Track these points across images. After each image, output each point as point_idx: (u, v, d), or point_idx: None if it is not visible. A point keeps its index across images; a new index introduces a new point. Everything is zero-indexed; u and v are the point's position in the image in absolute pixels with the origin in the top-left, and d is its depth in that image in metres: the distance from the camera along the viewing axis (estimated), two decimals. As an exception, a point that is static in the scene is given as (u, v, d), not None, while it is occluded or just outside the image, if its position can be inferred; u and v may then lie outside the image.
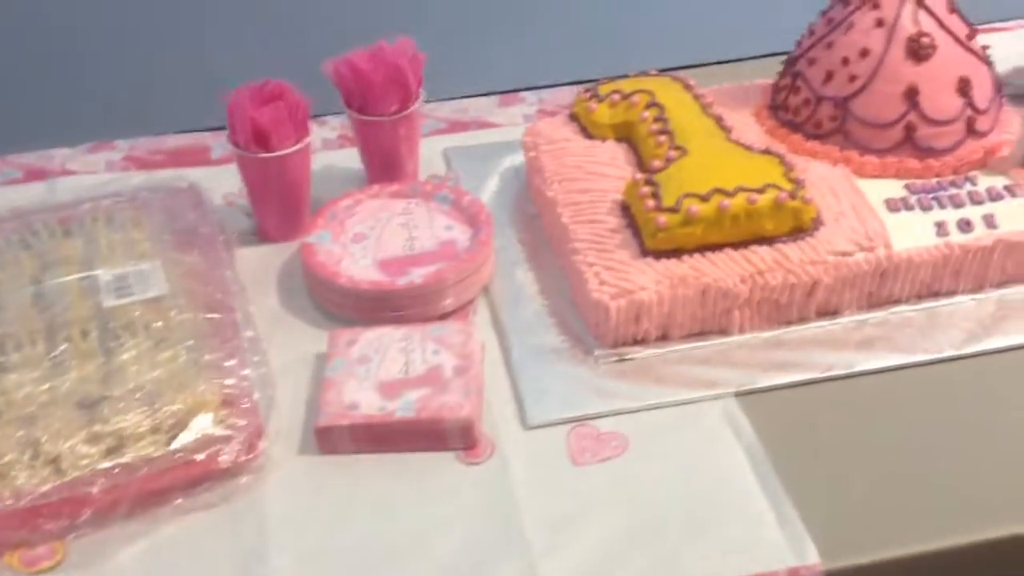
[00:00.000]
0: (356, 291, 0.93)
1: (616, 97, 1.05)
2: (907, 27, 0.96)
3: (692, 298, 0.90)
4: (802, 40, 1.03)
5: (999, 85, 1.02)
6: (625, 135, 1.04)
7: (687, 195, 0.90)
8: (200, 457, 0.79)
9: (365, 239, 1.00)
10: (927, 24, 0.96)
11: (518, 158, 1.11)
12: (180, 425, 0.80)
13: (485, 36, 1.74)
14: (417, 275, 0.94)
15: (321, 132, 1.23)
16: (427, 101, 1.11)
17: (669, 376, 0.89)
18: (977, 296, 0.94)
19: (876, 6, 0.97)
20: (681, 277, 0.89)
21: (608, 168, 1.01)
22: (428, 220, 1.02)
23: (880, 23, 0.96)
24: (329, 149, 1.20)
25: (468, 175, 1.14)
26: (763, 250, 0.90)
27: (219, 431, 0.80)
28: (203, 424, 0.81)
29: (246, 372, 0.85)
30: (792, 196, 0.90)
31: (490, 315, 0.97)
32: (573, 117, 1.08)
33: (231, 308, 0.92)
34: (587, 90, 1.08)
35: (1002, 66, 1.26)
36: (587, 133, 1.06)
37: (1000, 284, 0.94)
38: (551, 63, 1.60)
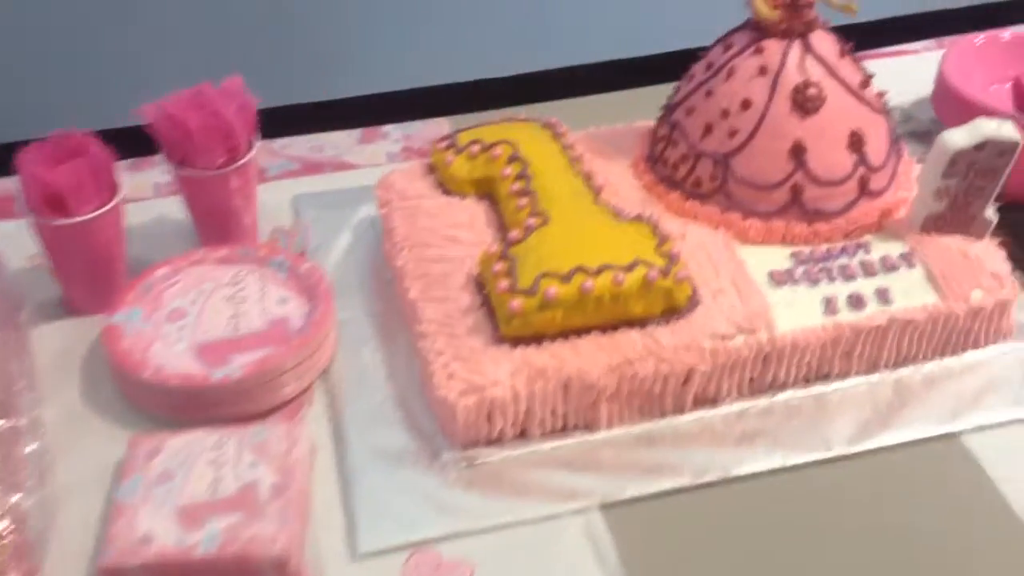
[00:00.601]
0: (164, 388, 0.80)
1: (475, 149, 0.93)
2: (793, 76, 0.85)
3: (553, 392, 0.78)
4: (680, 85, 0.92)
5: (896, 135, 0.92)
6: (487, 191, 0.92)
7: (545, 274, 0.78)
8: (-46, 613, 0.66)
9: (184, 316, 0.87)
10: (815, 72, 0.85)
11: (376, 207, 0.98)
12: (-70, 574, 0.67)
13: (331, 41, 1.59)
14: (237, 365, 0.81)
15: (151, 175, 1.09)
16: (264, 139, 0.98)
17: (527, 484, 0.78)
18: (872, 378, 0.84)
19: (759, 51, 0.86)
20: (540, 369, 0.78)
21: (465, 232, 0.89)
22: (259, 292, 0.89)
23: (763, 71, 0.85)
24: (161, 196, 1.06)
25: (318, 228, 1.01)
26: (633, 335, 0.80)
27: (-22, 580, 0.67)
28: (-40, 570, 0.67)
29: (19, 499, 0.72)
30: (664, 274, 0.79)
31: (327, 406, 0.84)
32: (432, 167, 0.96)
33: (12, 413, 0.78)
34: (444, 139, 0.96)
35: (904, 97, 1.17)
36: (446, 187, 0.94)
37: (897, 364, 0.85)
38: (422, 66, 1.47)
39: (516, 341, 0.79)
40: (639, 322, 0.80)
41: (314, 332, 0.84)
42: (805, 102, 0.84)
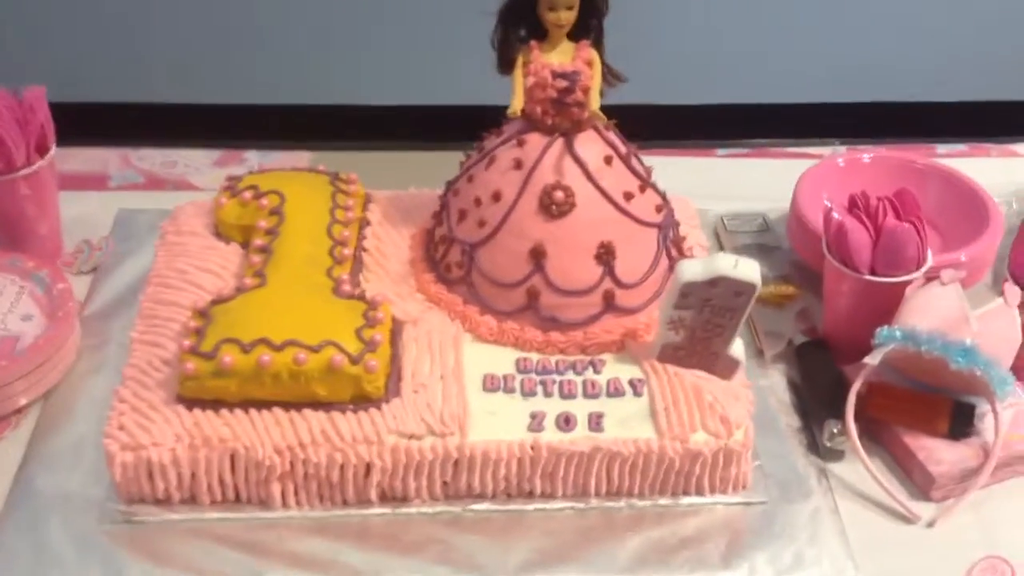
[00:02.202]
0: None
1: (248, 195, 0.91)
2: (546, 175, 0.80)
3: (219, 463, 0.76)
4: (463, 162, 0.88)
5: (672, 252, 0.85)
6: (249, 240, 0.90)
7: (227, 340, 0.76)
8: None
9: (-66, 319, 0.87)
10: (571, 175, 0.80)
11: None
12: None
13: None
14: (-61, 378, 0.81)
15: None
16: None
17: (178, 555, 0.75)
18: (578, 504, 0.79)
19: (520, 144, 0.81)
20: (206, 438, 0.75)
21: (211, 279, 0.87)
22: (10, 304, 0.89)
23: (519, 165, 0.81)
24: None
25: (123, 246, 1.01)
26: (315, 417, 0.76)
27: None
28: None
29: None
30: (354, 360, 0.75)
31: (32, 432, 0.84)
32: (219, 207, 0.95)
33: None
34: (230, 179, 0.94)
35: (774, 204, 1.08)
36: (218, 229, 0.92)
37: (609, 494, 0.79)
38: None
39: (195, 403, 0.77)
40: (327, 405, 0.77)
41: (30, 356, 0.83)
42: (551, 204, 0.79)
